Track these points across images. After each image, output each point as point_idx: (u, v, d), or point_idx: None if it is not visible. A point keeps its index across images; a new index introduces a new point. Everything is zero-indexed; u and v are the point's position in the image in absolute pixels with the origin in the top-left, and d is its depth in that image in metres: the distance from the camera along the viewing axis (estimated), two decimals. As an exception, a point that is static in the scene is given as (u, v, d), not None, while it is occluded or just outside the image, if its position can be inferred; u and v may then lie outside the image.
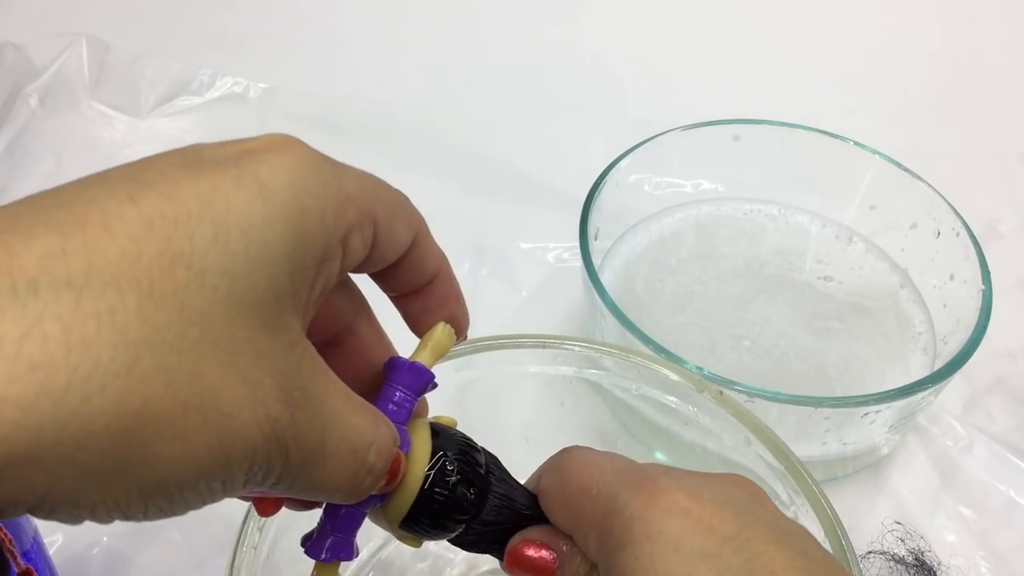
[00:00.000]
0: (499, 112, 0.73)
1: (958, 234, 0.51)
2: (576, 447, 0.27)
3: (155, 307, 0.16)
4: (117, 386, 0.15)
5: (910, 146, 0.60)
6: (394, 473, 0.23)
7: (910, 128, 0.73)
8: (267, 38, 0.79)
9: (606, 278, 0.53)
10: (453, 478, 0.25)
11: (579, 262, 0.48)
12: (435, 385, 0.26)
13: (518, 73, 0.76)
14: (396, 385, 0.25)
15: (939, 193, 0.53)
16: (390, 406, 0.25)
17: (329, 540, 0.24)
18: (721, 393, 0.38)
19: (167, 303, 0.16)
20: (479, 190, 0.66)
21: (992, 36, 0.80)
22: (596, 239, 0.51)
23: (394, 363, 0.25)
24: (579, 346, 0.41)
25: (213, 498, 0.18)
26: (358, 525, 0.25)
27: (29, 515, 0.40)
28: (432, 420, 0.27)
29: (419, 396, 0.26)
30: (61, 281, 0.15)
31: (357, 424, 0.21)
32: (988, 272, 0.48)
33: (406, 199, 0.24)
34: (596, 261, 0.49)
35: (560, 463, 0.27)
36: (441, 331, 0.26)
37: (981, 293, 0.47)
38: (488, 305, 0.58)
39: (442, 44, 0.79)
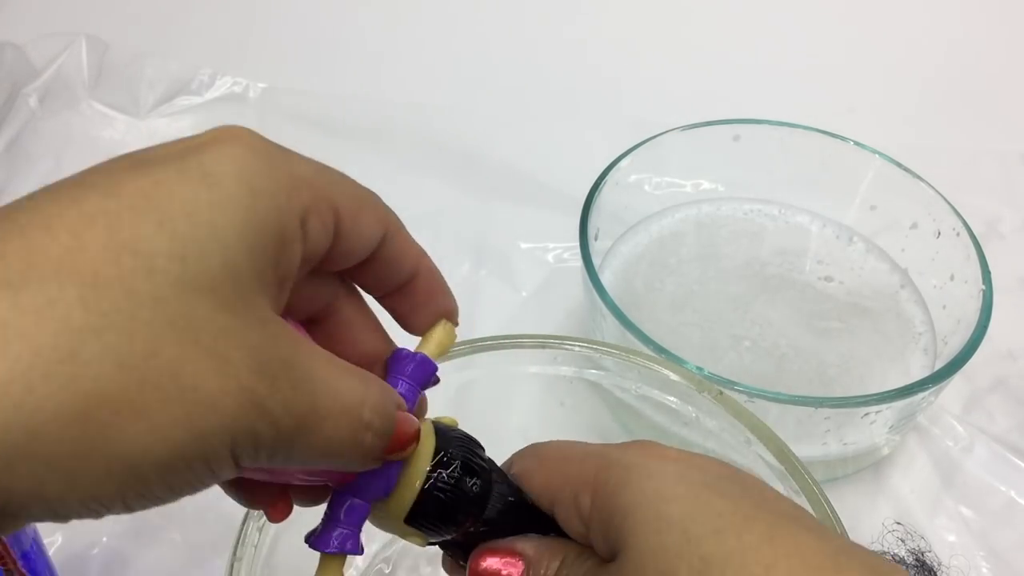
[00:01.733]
0: (499, 112, 0.72)
1: (958, 234, 0.51)
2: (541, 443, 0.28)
3: (99, 295, 0.16)
4: (62, 371, 0.16)
5: (910, 146, 0.60)
6: (406, 438, 0.23)
7: (910, 128, 0.73)
8: (267, 38, 0.79)
9: (606, 278, 0.53)
10: (456, 471, 0.25)
11: (579, 262, 0.48)
12: (437, 380, 0.26)
13: (518, 73, 0.76)
14: (399, 376, 0.25)
15: (939, 193, 0.53)
16: None
17: (336, 531, 0.24)
18: (721, 393, 0.38)
19: (113, 289, 0.17)
20: (479, 190, 0.66)
21: (992, 36, 0.80)
22: (596, 239, 0.51)
23: (397, 355, 0.26)
24: (579, 346, 0.41)
25: (201, 480, 0.18)
26: (363, 517, 0.25)
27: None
28: (433, 420, 0.27)
29: (423, 388, 0.26)
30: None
31: (346, 384, 0.21)
32: (988, 272, 0.48)
33: (375, 196, 0.24)
34: (596, 261, 0.49)
35: (535, 448, 0.28)
36: (443, 329, 0.26)
37: (981, 293, 0.47)
38: (488, 305, 0.58)
39: (442, 44, 0.79)
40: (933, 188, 0.53)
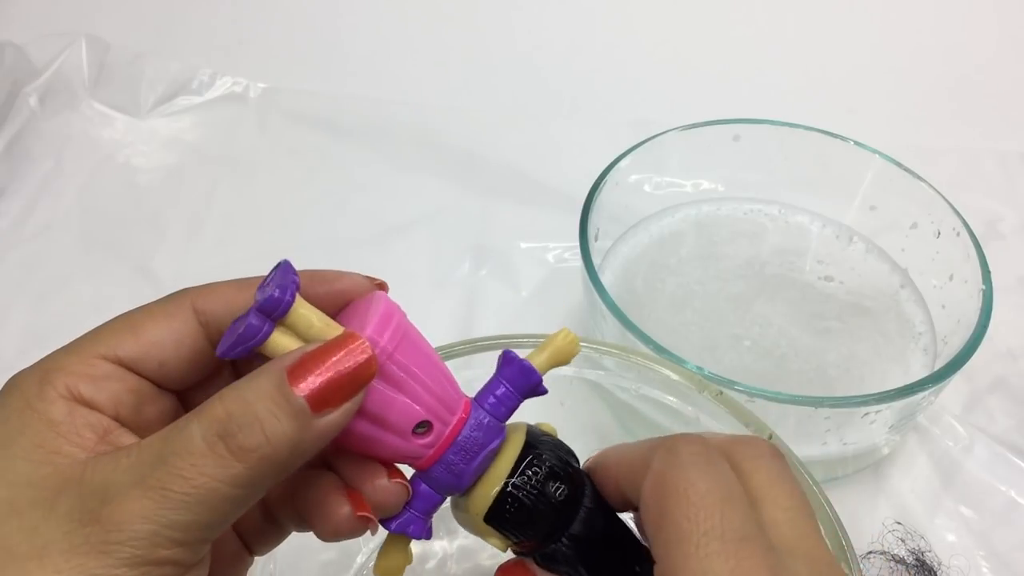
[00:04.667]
0: (499, 112, 0.73)
1: (958, 234, 0.51)
2: (672, 465, 0.24)
3: None
4: None
5: (910, 146, 0.60)
6: (336, 375, 0.21)
7: (910, 128, 0.73)
8: (267, 38, 0.79)
9: (606, 278, 0.53)
10: (542, 473, 0.24)
11: (579, 262, 0.48)
12: (544, 391, 0.25)
13: (518, 73, 0.76)
14: (501, 380, 0.25)
15: (939, 193, 0.53)
16: (491, 398, 0.24)
17: (404, 514, 0.24)
18: (721, 393, 0.38)
19: None
20: (479, 190, 0.66)
21: (992, 36, 0.80)
22: (596, 239, 0.51)
23: (506, 356, 0.25)
24: (579, 346, 0.41)
25: None
26: (433, 504, 0.25)
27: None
28: (531, 426, 0.26)
29: (524, 396, 0.25)
30: None
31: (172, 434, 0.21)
32: (988, 272, 0.48)
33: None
34: (596, 261, 0.49)
35: (661, 491, 0.23)
36: (563, 338, 0.25)
37: (981, 293, 0.47)
38: (488, 305, 0.58)
39: (442, 44, 0.79)
40: (933, 188, 0.53)
